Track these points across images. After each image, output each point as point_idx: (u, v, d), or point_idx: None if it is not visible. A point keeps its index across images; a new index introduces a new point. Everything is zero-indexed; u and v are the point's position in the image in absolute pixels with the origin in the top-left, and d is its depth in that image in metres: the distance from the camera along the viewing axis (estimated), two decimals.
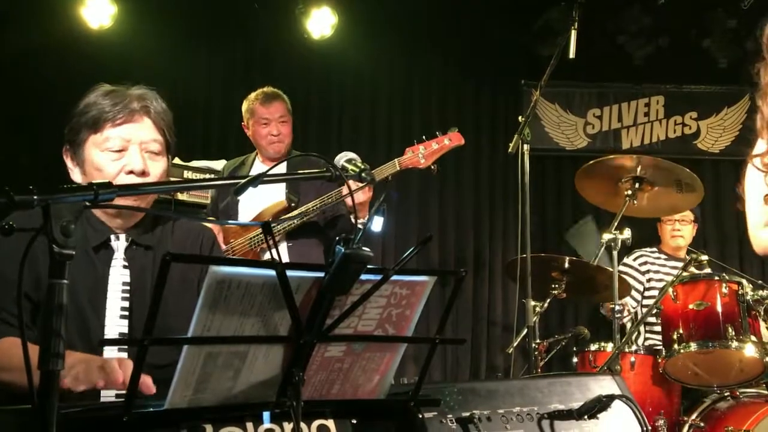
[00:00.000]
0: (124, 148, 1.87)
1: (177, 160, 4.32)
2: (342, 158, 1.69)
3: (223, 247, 3.48)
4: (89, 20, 5.01)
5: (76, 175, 1.92)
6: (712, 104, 5.92)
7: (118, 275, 1.90)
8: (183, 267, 1.93)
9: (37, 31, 4.89)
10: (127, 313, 1.88)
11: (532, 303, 3.38)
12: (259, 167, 3.82)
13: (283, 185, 3.64)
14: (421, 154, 3.35)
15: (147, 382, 1.53)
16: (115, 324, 1.86)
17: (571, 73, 4.84)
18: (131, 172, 1.86)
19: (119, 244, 1.92)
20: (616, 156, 3.76)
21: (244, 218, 3.63)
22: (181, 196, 4.03)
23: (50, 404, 1.04)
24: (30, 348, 1.15)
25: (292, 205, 3.52)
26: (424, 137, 3.41)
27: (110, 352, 1.86)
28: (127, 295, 1.89)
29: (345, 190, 3.18)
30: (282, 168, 3.56)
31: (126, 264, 1.91)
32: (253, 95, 3.89)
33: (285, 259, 3.42)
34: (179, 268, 1.94)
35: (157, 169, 1.92)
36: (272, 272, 1.16)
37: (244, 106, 3.90)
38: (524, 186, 3.38)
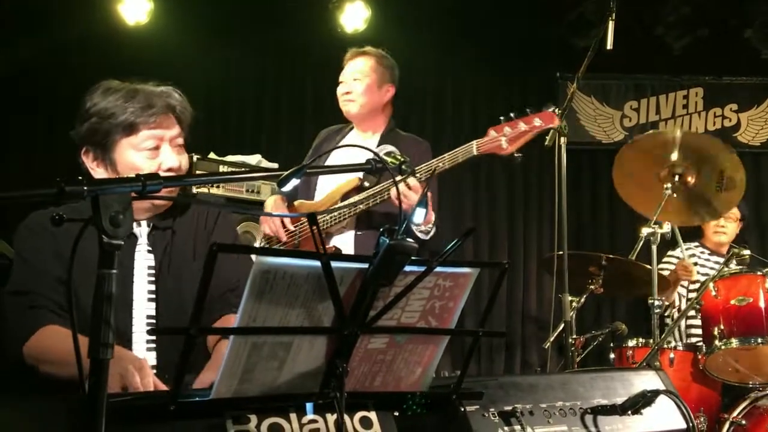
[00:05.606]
0: (157, 146, 1.94)
1: (212, 155, 4.36)
2: (381, 151, 1.70)
3: (291, 227, 3.18)
4: (126, 16, 5.07)
5: (99, 175, 1.95)
6: (752, 96, 5.77)
7: (143, 260, 1.97)
8: (201, 252, 2.00)
9: (74, 28, 4.95)
10: (154, 296, 1.95)
11: (569, 298, 3.34)
12: (352, 136, 3.34)
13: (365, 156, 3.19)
14: (504, 139, 2.83)
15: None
16: (143, 307, 1.93)
17: (607, 65, 4.76)
18: (169, 169, 1.93)
19: (142, 230, 2.00)
20: (655, 132, 3.64)
21: (322, 192, 3.23)
22: (215, 190, 4.09)
23: (101, 393, 1.06)
24: (69, 335, 1.16)
25: (366, 184, 2.99)
26: (512, 115, 2.84)
27: (139, 342, 1.92)
28: (153, 279, 1.96)
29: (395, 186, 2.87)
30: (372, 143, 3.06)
31: (150, 248, 1.99)
32: None
33: (350, 248, 3.12)
34: (200, 253, 1.99)
35: (185, 161, 2.00)
36: (317, 263, 1.16)
37: None
38: (561, 179, 3.32)
